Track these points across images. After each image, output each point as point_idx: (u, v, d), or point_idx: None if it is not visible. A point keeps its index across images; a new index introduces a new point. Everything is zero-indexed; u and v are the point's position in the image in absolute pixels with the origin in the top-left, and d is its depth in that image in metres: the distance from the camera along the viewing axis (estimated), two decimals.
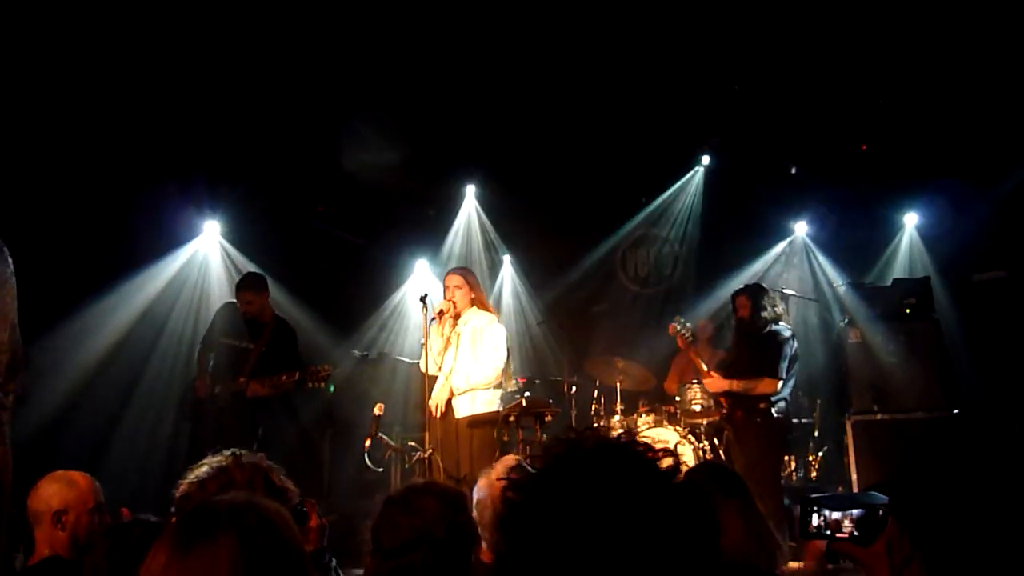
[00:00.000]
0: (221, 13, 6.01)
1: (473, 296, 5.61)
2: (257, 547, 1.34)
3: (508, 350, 5.65)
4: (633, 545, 0.93)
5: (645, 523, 0.95)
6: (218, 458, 2.12)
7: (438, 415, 5.43)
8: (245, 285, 6.01)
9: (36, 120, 5.73)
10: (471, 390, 5.44)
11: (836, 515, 1.53)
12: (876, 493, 1.49)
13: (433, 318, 5.54)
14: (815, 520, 1.57)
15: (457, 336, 5.52)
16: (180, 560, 1.33)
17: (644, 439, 1.05)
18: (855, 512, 1.51)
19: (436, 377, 5.56)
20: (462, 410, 5.43)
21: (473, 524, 2.33)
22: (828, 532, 1.55)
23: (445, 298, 5.57)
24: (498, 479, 2.66)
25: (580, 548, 0.94)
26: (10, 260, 3.41)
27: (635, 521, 0.94)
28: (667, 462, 1.01)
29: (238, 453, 2.14)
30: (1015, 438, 1.05)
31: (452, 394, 5.46)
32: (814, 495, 1.60)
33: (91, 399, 6.39)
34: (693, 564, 0.96)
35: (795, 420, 7.41)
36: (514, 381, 6.80)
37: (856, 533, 1.49)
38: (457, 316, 5.56)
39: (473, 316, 5.57)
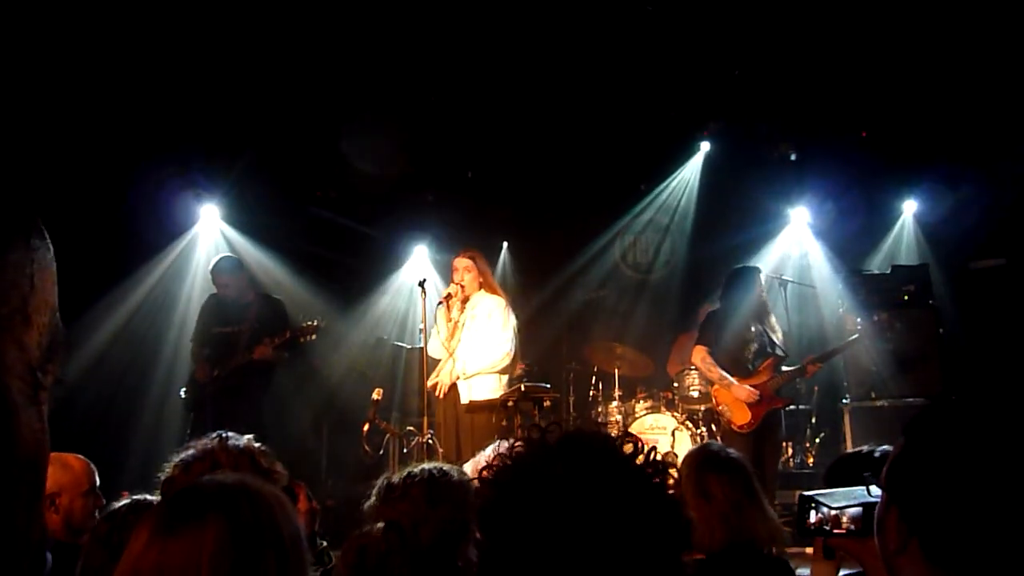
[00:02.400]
0: None
1: (482, 280, 5.47)
2: (246, 532, 1.24)
3: (516, 335, 5.53)
4: (594, 530, 1.04)
5: (603, 509, 1.05)
6: (204, 440, 2.07)
7: (440, 395, 5.34)
8: (218, 270, 5.97)
9: (25, 107, 5.64)
10: (477, 375, 5.33)
11: (834, 511, 1.53)
12: (874, 488, 1.49)
13: (440, 302, 5.46)
14: (812, 517, 1.57)
15: (465, 320, 5.39)
16: (162, 542, 1.24)
17: (610, 428, 1.17)
18: (853, 508, 1.51)
19: (439, 360, 5.45)
20: (467, 395, 5.32)
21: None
22: (827, 528, 1.54)
23: (453, 281, 5.43)
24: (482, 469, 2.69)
25: (546, 536, 1.04)
26: (51, 246, 3.38)
27: (594, 508, 1.05)
28: (628, 448, 1.12)
29: (224, 435, 2.09)
30: (1015, 422, 1.04)
31: (457, 378, 5.34)
32: (812, 492, 1.59)
33: (90, 384, 6.36)
34: (652, 543, 1.05)
35: (793, 406, 7.43)
36: (521, 367, 6.76)
37: (854, 528, 1.49)
38: (465, 300, 5.42)
39: (482, 300, 5.44)
